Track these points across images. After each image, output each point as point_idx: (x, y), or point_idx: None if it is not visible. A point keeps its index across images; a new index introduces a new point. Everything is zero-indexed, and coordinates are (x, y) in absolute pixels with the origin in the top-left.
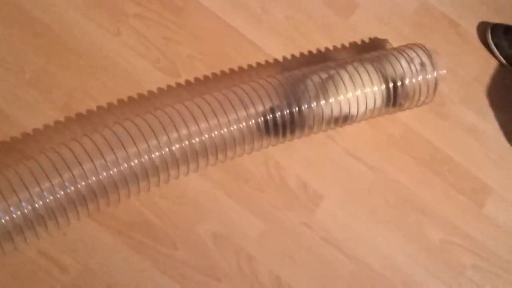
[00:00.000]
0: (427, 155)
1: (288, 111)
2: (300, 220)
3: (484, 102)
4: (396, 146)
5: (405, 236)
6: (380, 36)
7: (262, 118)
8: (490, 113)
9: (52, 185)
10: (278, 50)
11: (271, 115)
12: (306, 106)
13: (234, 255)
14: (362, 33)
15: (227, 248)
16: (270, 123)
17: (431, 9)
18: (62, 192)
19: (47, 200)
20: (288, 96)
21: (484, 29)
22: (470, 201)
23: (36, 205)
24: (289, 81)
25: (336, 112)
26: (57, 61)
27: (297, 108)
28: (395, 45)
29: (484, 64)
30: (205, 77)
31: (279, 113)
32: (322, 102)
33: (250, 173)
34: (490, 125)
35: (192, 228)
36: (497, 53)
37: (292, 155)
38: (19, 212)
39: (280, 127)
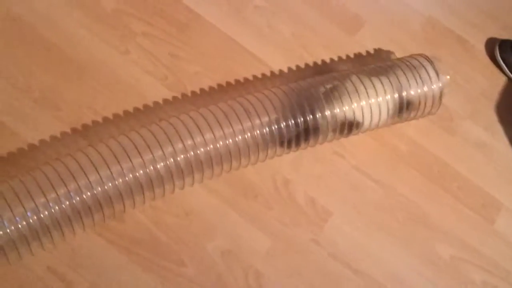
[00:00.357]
0: (436, 171)
1: (293, 121)
2: (308, 237)
3: (493, 118)
4: (404, 162)
5: (414, 252)
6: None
7: (267, 129)
8: (498, 129)
9: (58, 195)
10: (285, 67)
11: (276, 126)
12: (312, 116)
13: (242, 271)
14: (369, 49)
15: (235, 265)
16: (276, 133)
17: (438, 25)
18: (67, 202)
19: (52, 210)
20: (293, 106)
21: (492, 45)
22: (480, 217)
23: (42, 215)
24: (295, 91)
25: (340, 121)
26: (65, 79)
27: (302, 119)
28: None
29: (492, 80)
30: (212, 93)
31: (284, 123)
32: (328, 112)
33: (258, 189)
34: (499, 141)
35: (200, 245)
36: (505, 68)
37: (300, 171)
38: (24, 222)
39: (287, 137)
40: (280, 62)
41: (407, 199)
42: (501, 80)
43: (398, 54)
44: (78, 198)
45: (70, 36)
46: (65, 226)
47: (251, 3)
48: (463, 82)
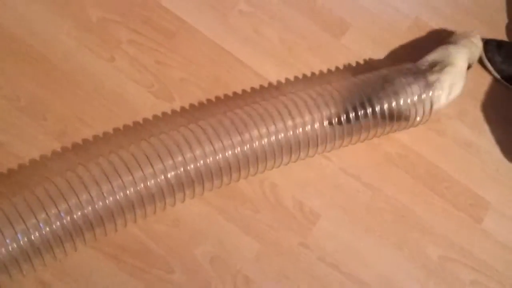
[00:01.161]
0: (424, 172)
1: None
2: (296, 240)
3: (479, 117)
4: (392, 163)
5: (403, 254)
6: (373, 55)
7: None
8: (485, 128)
9: (48, 216)
10: (272, 72)
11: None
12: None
13: (231, 277)
14: (355, 52)
15: (224, 270)
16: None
17: (424, 26)
18: (58, 223)
19: (43, 232)
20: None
21: None
22: (468, 217)
23: (32, 237)
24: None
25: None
26: (50, 87)
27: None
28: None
29: (478, 80)
30: (199, 100)
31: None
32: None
33: (245, 194)
34: (486, 140)
35: (189, 251)
36: (490, 68)
37: (287, 175)
38: (14, 244)
39: None
40: (267, 67)
41: (395, 200)
42: (487, 79)
43: (384, 56)
44: (68, 218)
45: (56, 45)
46: (56, 246)
47: (235, 8)
48: None
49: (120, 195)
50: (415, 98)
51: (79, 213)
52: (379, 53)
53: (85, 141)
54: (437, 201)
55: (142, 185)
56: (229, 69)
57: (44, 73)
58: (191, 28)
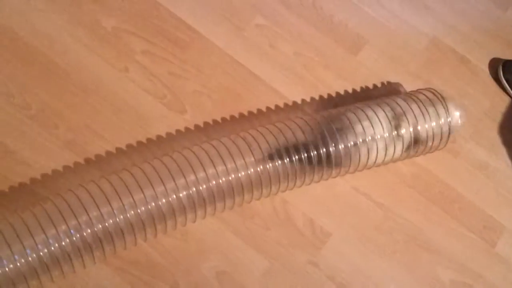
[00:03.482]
0: (437, 193)
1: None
2: (306, 258)
3: (496, 139)
4: (405, 183)
5: (414, 276)
6: (389, 73)
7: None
8: (501, 150)
9: (58, 232)
10: (285, 86)
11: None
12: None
13: None
14: (370, 69)
15: (230, 286)
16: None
17: (441, 45)
18: (67, 240)
19: (52, 248)
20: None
21: (495, 65)
22: (482, 240)
23: (41, 253)
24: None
25: (344, 159)
26: (62, 96)
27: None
28: (406, 85)
29: (495, 100)
30: (211, 113)
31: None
32: (332, 148)
33: (255, 210)
34: (501, 162)
35: (196, 266)
36: (508, 89)
37: (298, 192)
38: (23, 260)
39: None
40: (280, 81)
41: (407, 220)
42: (505, 100)
43: (401, 74)
44: (78, 235)
45: (70, 54)
46: (65, 264)
47: (252, 22)
48: (466, 103)
49: (130, 213)
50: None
51: (89, 231)
52: (395, 71)
53: (97, 156)
54: (450, 223)
55: (153, 203)
56: (242, 83)
57: (57, 82)
58: (205, 39)
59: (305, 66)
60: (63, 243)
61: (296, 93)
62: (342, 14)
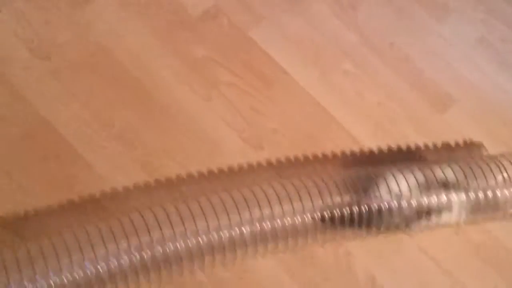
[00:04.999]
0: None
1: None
2: None
3: None
4: (477, 255)
5: None
6: (475, 136)
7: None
8: None
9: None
10: (364, 134)
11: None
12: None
13: None
14: (455, 130)
15: None
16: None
17: None
18: (126, 258)
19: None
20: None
21: None
22: None
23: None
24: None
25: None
26: (145, 118)
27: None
28: (490, 150)
29: None
30: (287, 153)
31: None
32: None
33: (317, 257)
34: None
35: None
36: None
37: (363, 244)
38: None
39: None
40: (361, 130)
41: None
42: None
43: (488, 140)
44: (138, 255)
45: (158, 77)
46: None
47: (340, 68)
48: None
49: (191, 241)
50: None
51: (149, 252)
52: (482, 136)
53: (168, 179)
54: None
55: (215, 234)
56: (323, 127)
57: (142, 103)
58: (291, 79)
59: (388, 118)
60: (122, 261)
61: (374, 142)
62: (434, 70)
